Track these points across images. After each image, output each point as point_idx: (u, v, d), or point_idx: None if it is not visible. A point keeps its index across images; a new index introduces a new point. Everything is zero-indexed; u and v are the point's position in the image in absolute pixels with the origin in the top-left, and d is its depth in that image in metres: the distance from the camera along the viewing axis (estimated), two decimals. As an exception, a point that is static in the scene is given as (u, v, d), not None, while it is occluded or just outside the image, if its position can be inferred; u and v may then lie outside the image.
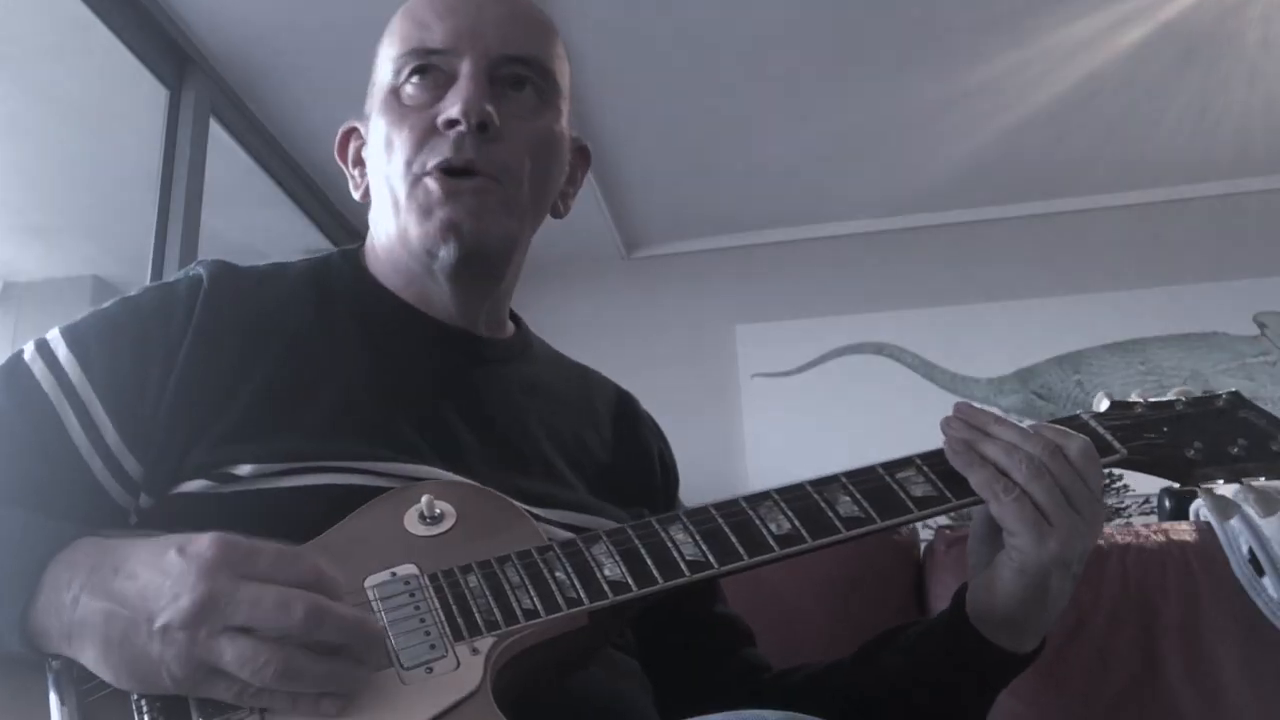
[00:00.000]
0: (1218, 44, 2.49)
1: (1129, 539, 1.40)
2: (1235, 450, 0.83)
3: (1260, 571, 1.34)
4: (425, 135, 0.86)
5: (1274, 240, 3.08)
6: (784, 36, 2.43)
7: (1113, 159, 3.00)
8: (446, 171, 0.85)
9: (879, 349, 3.21)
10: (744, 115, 2.76)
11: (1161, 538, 1.42)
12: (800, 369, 3.24)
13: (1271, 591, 1.33)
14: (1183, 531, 1.44)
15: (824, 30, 2.42)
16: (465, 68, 0.86)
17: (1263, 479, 0.82)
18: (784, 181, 3.12)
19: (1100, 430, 0.83)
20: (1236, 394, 0.88)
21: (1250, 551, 1.36)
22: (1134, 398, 0.87)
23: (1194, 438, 0.84)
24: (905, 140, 2.90)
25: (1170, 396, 0.88)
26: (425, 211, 0.86)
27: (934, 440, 0.82)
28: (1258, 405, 0.87)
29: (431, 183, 0.85)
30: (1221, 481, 0.82)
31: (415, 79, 0.88)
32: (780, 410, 3.18)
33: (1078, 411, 0.86)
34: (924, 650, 0.85)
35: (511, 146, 0.87)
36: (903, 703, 0.85)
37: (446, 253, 0.85)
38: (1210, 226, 3.13)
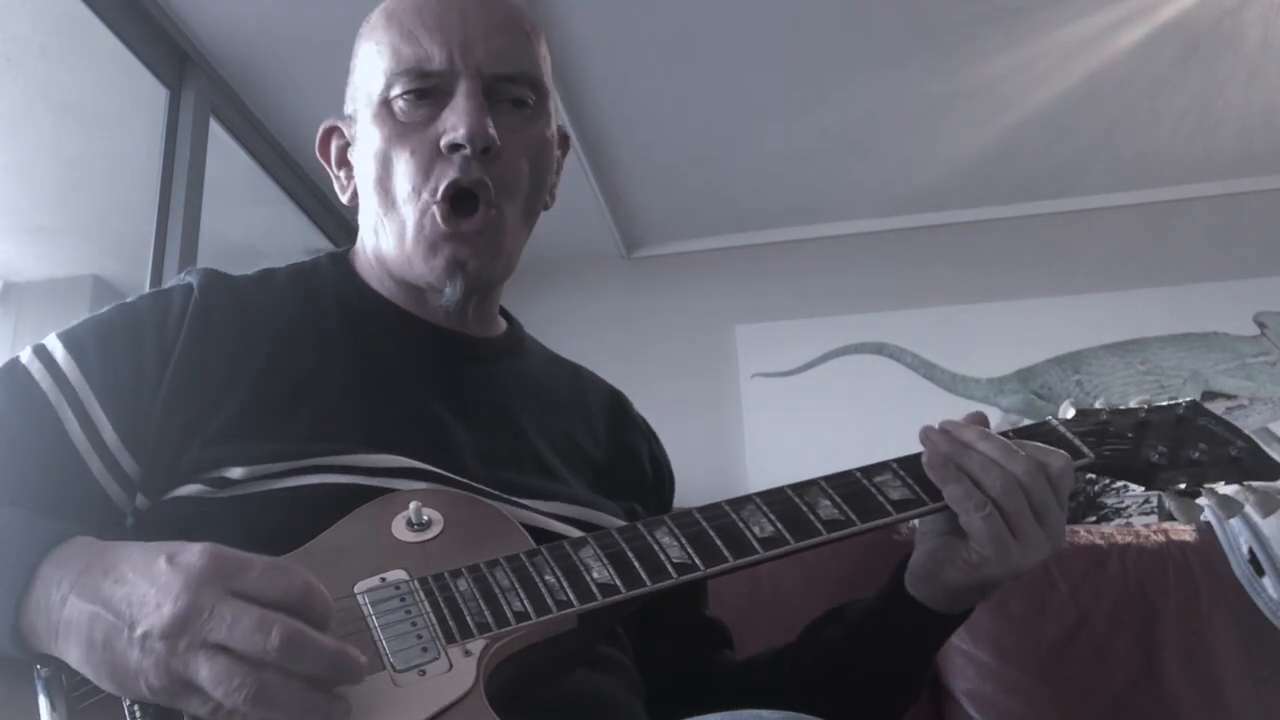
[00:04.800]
0: (1218, 44, 2.49)
1: (1129, 539, 1.40)
2: (1196, 455, 0.87)
3: (1260, 571, 1.34)
4: (429, 159, 0.86)
5: (1274, 240, 3.08)
6: (784, 36, 2.44)
7: (1113, 159, 3.01)
8: (454, 200, 0.86)
9: (879, 349, 3.21)
10: (744, 115, 2.76)
11: (1161, 538, 1.42)
12: (800, 369, 3.24)
13: (1271, 591, 1.33)
14: (1183, 531, 1.44)
15: (824, 30, 2.42)
16: (463, 87, 0.86)
17: (1222, 483, 0.85)
18: (784, 181, 3.12)
19: (1069, 436, 0.87)
20: (1195, 402, 0.92)
21: (1250, 551, 1.36)
22: (1098, 405, 0.90)
23: (1157, 442, 0.87)
24: (905, 139, 2.90)
25: (1133, 404, 0.91)
26: (431, 247, 0.87)
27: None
28: (1215, 413, 0.91)
29: (438, 216, 0.86)
30: (1184, 485, 0.86)
31: (409, 97, 0.88)
32: (780, 410, 3.18)
33: (1046, 418, 0.89)
34: (862, 620, 0.88)
35: (512, 162, 0.88)
36: (846, 672, 0.88)
37: (452, 290, 0.87)
38: (1210, 226, 3.13)
